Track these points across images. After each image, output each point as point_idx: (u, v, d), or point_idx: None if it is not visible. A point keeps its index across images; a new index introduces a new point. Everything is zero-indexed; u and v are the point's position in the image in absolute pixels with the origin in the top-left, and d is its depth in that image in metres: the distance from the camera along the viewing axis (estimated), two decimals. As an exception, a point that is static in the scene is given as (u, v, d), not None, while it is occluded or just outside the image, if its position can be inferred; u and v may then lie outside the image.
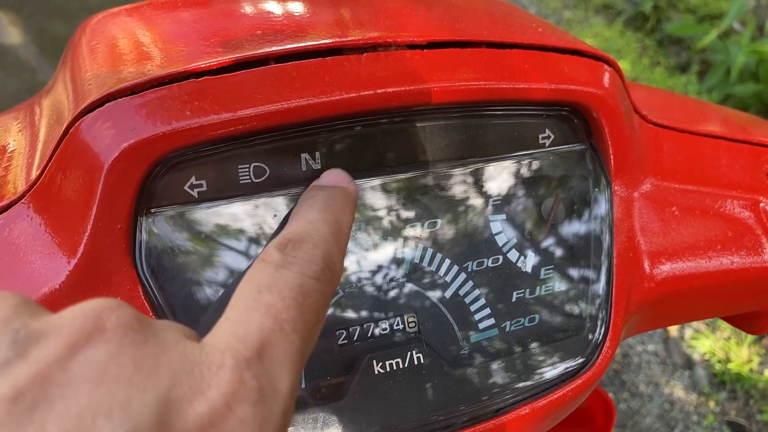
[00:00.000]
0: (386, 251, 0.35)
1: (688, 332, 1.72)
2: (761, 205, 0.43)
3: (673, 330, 1.71)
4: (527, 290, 0.38)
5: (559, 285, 0.39)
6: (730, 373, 1.63)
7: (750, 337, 1.68)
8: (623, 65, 2.36)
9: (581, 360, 0.39)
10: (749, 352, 1.66)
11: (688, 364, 1.69)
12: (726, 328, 1.72)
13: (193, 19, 0.38)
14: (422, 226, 0.35)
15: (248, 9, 0.38)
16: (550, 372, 0.38)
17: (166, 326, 0.21)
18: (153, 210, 0.30)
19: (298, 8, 0.38)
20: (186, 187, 0.30)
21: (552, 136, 0.38)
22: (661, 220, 0.40)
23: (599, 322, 0.39)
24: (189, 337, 0.21)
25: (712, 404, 1.60)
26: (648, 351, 1.71)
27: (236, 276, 0.31)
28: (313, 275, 0.25)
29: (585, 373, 0.38)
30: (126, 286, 0.30)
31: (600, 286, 0.39)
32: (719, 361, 1.66)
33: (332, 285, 0.26)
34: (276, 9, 0.38)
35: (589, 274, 0.39)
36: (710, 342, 1.69)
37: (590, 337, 0.39)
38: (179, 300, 0.30)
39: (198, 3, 0.40)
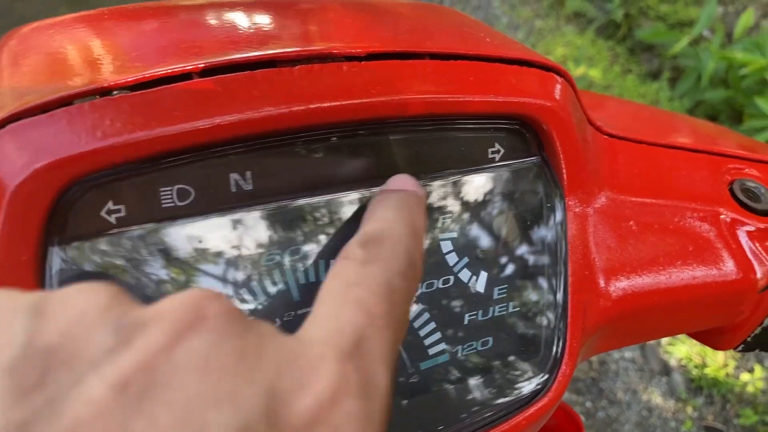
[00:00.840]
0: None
1: (665, 338, 1.72)
2: (722, 217, 0.41)
3: (650, 336, 1.72)
4: (480, 311, 0.36)
5: (513, 304, 0.37)
6: (706, 378, 1.64)
7: (725, 342, 1.68)
8: (595, 73, 2.38)
9: (540, 379, 0.37)
10: (725, 357, 1.67)
11: (665, 370, 1.69)
12: (702, 334, 1.73)
13: (121, 33, 0.35)
14: None
15: (177, 22, 0.36)
16: (506, 397, 0.36)
17: (260, 320, 0.20)
18: (66, 239, 0.28)
19: (229, 20, 0.36)
20: (103, 213, 0.28)
21: (502, 151, 0.36)
22: (618, 235, 0.38)
23: (555, 342, 0.37)
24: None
25: (689, 410, 1.61)
26: (625, 358, 1.71)
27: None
28: (398, 271, 0.24)
29: (543, 397, 0.37)
30: (35, 322, 0.27)
31: (555, 304, 0.37)
32: (696, 367, 1.67)
33: (415, 284, 0.25)
34: (207, 21, 0.36)
35: (544, 291, 0.37)
36: (686, 348, 1.69)
37: (545, 357, 0.37)
38: None
39: (128, 17, 0.37)
